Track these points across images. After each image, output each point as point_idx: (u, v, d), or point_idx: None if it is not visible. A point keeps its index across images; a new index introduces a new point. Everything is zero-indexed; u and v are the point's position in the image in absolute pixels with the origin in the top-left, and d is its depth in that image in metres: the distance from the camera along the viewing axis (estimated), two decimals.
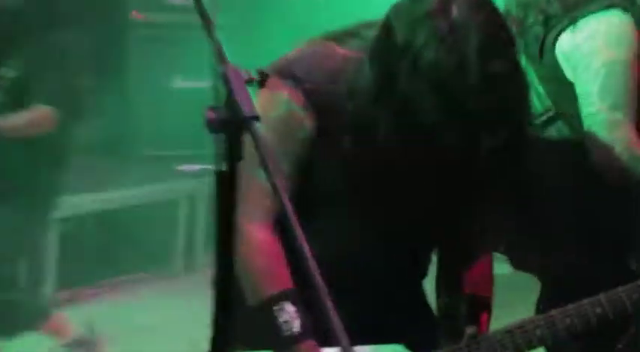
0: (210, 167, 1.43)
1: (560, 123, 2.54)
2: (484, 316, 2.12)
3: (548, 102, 2.53)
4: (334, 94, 2.01)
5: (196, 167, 6.91)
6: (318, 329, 1.88)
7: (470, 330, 2.05)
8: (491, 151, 1.89)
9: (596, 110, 2.42)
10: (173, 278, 6.82)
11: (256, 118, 1.44)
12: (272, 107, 2.04)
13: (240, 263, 1.74)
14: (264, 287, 1.97)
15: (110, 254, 6.55)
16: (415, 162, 1.95)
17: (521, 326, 2.06)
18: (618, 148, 2.38)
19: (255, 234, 1.98)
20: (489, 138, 1.88)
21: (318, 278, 1.29)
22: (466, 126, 1.88)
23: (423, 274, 2.23)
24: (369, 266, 2.08)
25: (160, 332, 5.57)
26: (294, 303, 1.93)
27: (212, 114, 1.44)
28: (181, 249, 6.91)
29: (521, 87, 1.97)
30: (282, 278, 1.96)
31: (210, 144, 1.47)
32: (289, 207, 1.39)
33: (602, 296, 2.11)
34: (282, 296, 1.95)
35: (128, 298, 6.31)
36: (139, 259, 6.66)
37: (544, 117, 2.52)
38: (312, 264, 1.30)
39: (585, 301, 2.10)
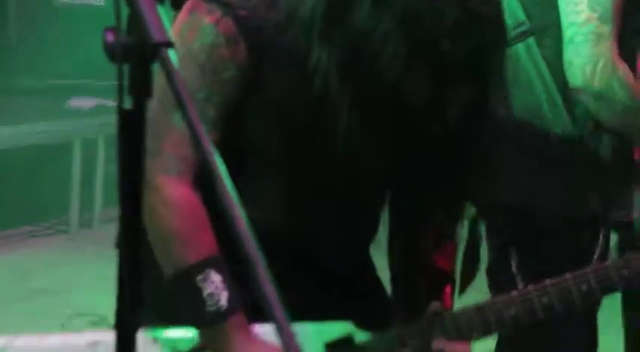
0: (110, 103, 1.15)
1: (531, 41, 2.42)
2: (447, 289, 1.94)
3: (522, 16, 2.42)
4: (271, 25, 1.76)
5: (91, 102, 6.20)
6: (248, 304, 1.71)
7: (433, 306, 1.85)
8: (458, 104, 1.70)
9: (583, 19, 2.33)
10: (66, 235, 6.52)
11: (169, 45, 1.17)
12: (192, 36, 1.77)
13: (152, 224, 1.66)
14: (185, 254, 1.74)
15: None
16: (364, 111, 1.72)
17: (492, 303, 1.87)
18: (601, 63, 2.30)
19: (172, 190, 1.74)
20: (458, 91, 1.69)
21: (250, 245, 1.08)
22: (434, 74, 1.67)
23: (369, 241, 2.02)
24: (310, 232, 1.88)
25: (54, 297, 5.31)
26: (220, 272, 1.72)
27: (111, 38, 1.19)
28: (76, 202, 6.49)
29: (499, 31, 1.74)
30: (205, 244, 1.75)
31: (108, 74, 1.16)
32: (213, 158, 1.14)
33: (589, 272, 1.92)
34: (207, 264, 1.73)
35: (14, 257, 6.00)
36: (25, 212, 6.26)
37: (516, 31, 2.40)
38: (243, 228, 1.09)
39: (569, 276, 1.90)
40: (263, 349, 1.73)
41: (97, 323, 4.54)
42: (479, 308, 1.85)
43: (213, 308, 1.71)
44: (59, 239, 6.48)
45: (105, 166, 6.49)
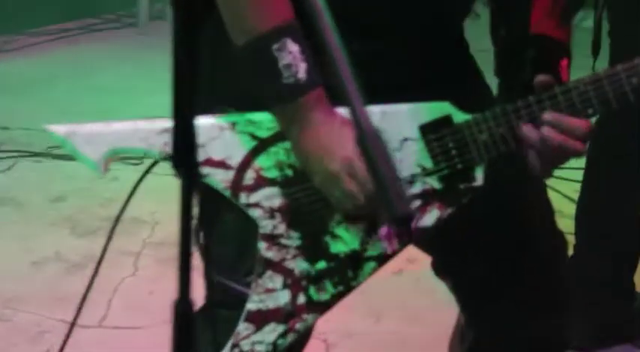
0: None
1: None
2: (563, 62, 1.75)
3: None
4: None
5: None
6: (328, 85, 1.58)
7: (541, 78, 1.67)
8: None
9: None
10: (135, 28, 6.51)
11: None
12: None
13: None
14: (259, 18, 1.63)
15: None
16: None
17: (611, 73, 1.64)
18: None
19: None
20: None
21: (323, 19, 1.05)
22: None
23: (466, 12, 1.87)
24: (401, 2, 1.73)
25: (120, 97, 5.17)
26: (297, 42, 1.60)
27: None
28: None
29: None
30: (281, 7, 1.62)
31: None
32: None
33: None
34: (284, 31, 1.61)
35: (75, 53, 5.85)
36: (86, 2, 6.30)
37: None
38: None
39: None
40: (346, 129, 1.62)
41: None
42: (595, 80, 1.66)
43: (290, 81, 1.61)
44: (127, 33, 6.46)
45: None
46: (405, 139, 1.67)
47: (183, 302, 1.02)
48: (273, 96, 1.64)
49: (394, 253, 1.70)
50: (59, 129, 1.66)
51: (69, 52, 5.90)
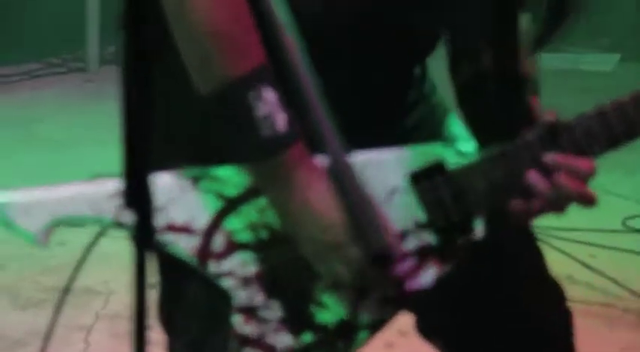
0: None
1: None
2: (533, 99, 1.78)
3: None
4: None
5: None
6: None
7: (547, 116, 1.68)
8: None
9: None
10: (83, 74, 6.47)
11: None
12: None
13: (184, 19, 1.58)
14: (231, 62, 1.60)
15: None
16: None
17: (617, 106, 1.66)
18: None
19: None
20: None
21: (295, 54, 1.16)
22: None
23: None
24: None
25: (64, 149, 5.11)
26: (273, 88, 1.59)
27: None
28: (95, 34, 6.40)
29: None
30: (255, 49, 1.61)
31: None
32: None
33: None
34: (259, 76, 1.60)
35: (17, 101, 5.82)
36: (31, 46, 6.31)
37: None
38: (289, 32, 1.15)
39: None
40: (330, 185, 1.58)
41: None
42: (600, 114, 1.68)
43: (268, 133, 1.57)
44: (73, 79, 6.42)
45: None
46: (394, 190, 1.64)
47: None
48: (247, 151, 1.61)
49: (389, 318, 1.68)
50: None
51: (6, 101, 5.84)
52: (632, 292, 3.51)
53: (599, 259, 3.78)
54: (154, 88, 1.08)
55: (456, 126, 1.87)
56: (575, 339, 1.89)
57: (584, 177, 1.65)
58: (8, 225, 1.57)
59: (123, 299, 3.38)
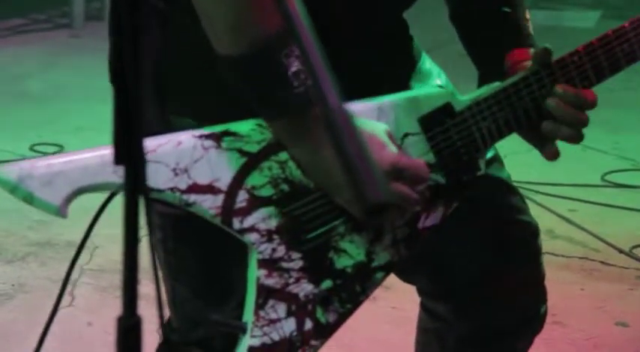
0: None
1: None
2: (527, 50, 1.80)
3: None
4: None
5: None
6: None
7: (541, 51, 1.71)
8: None
9: None
10: (68, 29, 6.40)
11: None
12: None
13: None
14: (265, 21, 1.60)
15: None
16: None
17: (602, 44, 1.73)
18: None
19: None
20: None
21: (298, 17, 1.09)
22: None
23: None
24: None
25: (52, 105, 4.99)
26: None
27: None
28: None
29: None
30: (275, 10, 1.47)
31: None
32: None
33: None
34: (288, 33, 1.43)
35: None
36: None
37: None
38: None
39: None
40: (371, 137, 1.63)
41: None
42: (588, 52, 1.73)
43: (302, 90, 1.59)
44: (59, 35, 6.38)
45: None
46: (406, 135, 1.66)
47: (128, 319, 0.99)
48: (279, 107, 1.62)
49: (401, 259, 1.71)
50: (10, 172, 1.52)
51: None
52: (611, 245, 3.51)
53: (579, 213, 3.78)
54: (143, 40, 1.04)
55: (428, 62, 1.89)
56: (542, 257, 1.92)
57: (588, 107, 1.71)
58: (29, 198, 1.51)
59: (107, 254, 3.35)
